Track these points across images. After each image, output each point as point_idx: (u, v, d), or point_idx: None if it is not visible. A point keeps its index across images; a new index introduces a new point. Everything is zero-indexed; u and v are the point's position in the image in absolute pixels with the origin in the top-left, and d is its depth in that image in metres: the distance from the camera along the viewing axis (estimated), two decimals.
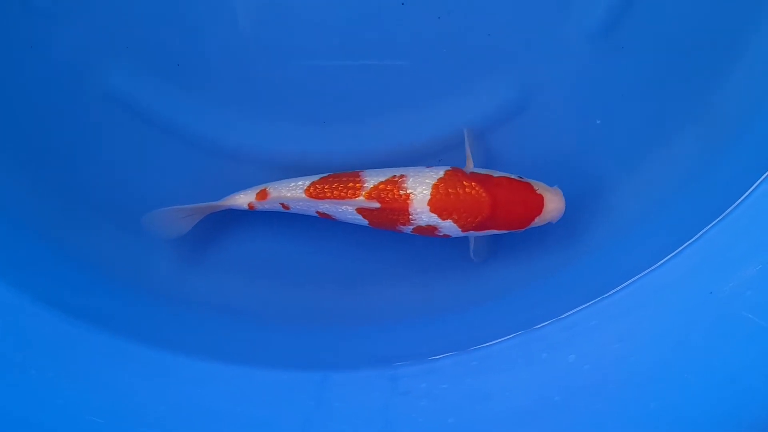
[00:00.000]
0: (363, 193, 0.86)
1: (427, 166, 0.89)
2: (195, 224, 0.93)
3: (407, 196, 0.85)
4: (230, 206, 0.92)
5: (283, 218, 0.95)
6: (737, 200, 0.90)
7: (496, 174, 0.88)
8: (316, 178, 0.90)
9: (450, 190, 0.85)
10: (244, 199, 0.91)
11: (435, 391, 0.87)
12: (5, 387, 0.86)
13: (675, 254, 0.91)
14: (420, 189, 0.85)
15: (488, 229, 0.87)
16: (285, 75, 0.96)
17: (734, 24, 0.92)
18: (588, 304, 0.91)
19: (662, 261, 0.91)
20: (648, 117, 0.96)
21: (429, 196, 0.85)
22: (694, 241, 0.90)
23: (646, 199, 0.96)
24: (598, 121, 0.95)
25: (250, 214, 0.95)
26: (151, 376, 0.89)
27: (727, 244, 0.89)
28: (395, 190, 0.86)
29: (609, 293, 0.91)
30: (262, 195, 0.90)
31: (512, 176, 0.88)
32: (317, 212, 0.90)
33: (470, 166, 0.90)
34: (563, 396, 0.85)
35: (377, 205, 0.86)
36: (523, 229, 0.88)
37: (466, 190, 0.85)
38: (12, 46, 0.94)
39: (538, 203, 0.86)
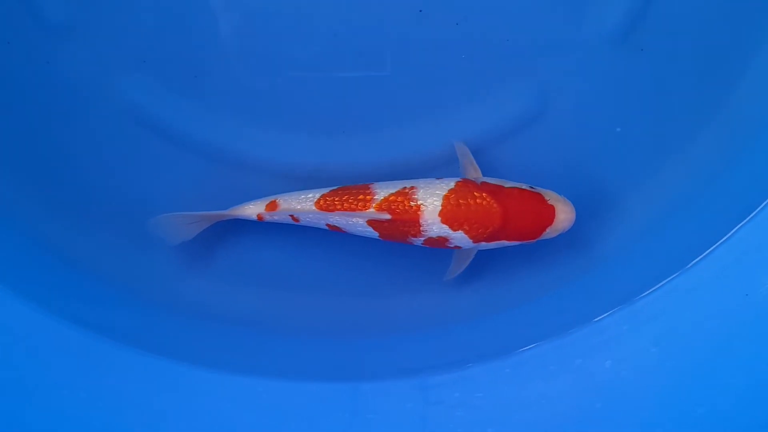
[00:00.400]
0: (373, 205, 0.86)
1: (437, 178, 0.89)
2: (201, 232, 0.92)
3: (418, 207, 0.85)
4: (239, 216, 0.91)
5: (295, 230, 0.94)
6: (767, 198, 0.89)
7: (507, 184, 0.87)
8: (326, 190, 0.89)
9: (461, 201, 0.84)
10: (253, 209, 0.90)
11: (470, 400, 0.85)
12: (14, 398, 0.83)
13: (704, 256, 0.89)
14: (431, 200, 0.85)
15: (499, 240, 0.86)
16: (304, 87, 0.95)
17: (754, 23, 0.92)
18: (618, 308, 0.89)
19: (692, 263, 0.90)
20: (671, 116, 0.95)
21: (440, 207, 0.84)
22: (723, 242, 0.89)
23: (670, 201, 0.95)
24: (618, 129, 0.94)
25: (260, 225, 0.94)
26: (179, 391, 0.87)
27: (759, 245, 0.87)
28: (406, 202, 0.85)
29: (638, 297, 0.89)
30: (272, 206, 0.89)
31: (523, 186, 0.87)
32: (327, 225, 0.89)
33: (479, 176, 0.89)
34: (605, 403, 0.83)
35: (388, 216, 0.85)
36: (534, 241, 0.87)
37: (477, 200, 0.84)
38: (26, 62, 0.94)
39: (550, 214, 0.85)
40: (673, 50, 0.95)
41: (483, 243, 0.86)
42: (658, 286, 0.89)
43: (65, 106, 0.95)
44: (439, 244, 0.87)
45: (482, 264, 0.95)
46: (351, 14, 0.94)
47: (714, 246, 0.89)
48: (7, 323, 0.88)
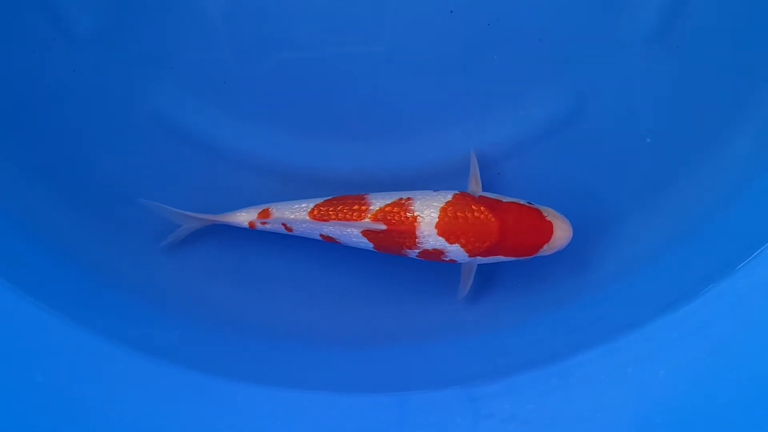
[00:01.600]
0: (368, 215, 0.84)
1: (435, 190, 0.87)
2: (190, 233, 0.91)
3: (414, 218, 0.83)
4: (230, 222, 0.89)
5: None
6: None
7: (506, 199, 0.85)
8: (320, 200, 0.87)
9: (459, 214, 0.83)
10: (245, 217, 0.88)
11: (521, 413, 0.82)
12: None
13: (754, 257, 0.86)
14: (428, 212, 0.83)
15: (495, 255, 0.84)
16: (334, 92, 0.94)
17: None
18: (664, 314, 0.87)
19: (739, 266, 0.87)
20: (706, 116, 0.94)
21: (437, 219, 0.83)
22: None
23: (713, 201, 0.93)
24: (648, 140, 0.93)
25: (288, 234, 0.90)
26: (224, 406, 0.84)
27: None
28: (402, 213, 0.84)
29: (686, 302, 0.87)
30: (265, 214, 0.88)
31: (522, 202, 0.86)
32: (321, 235, 0.87)
33: (478, 190, 0.88)
34: (665, 417, 0.79)
35: (383, 227, 0.84)
36: (530, 257, 0.85)
37: (475, 214, 0.83)
38: (52, 72, 0.93)
39: (548, 230, 0.84)
40: (709, 49, 0.93)
41: (479, 258, 0.85)
42: (705, 290, 0.86)
43: (92, 114, 0.93)
44: (434, 256, 0.85)
45: (519, 268, 0.93)
46: (382, 17, 0.93)
47: (764, 246, 0.86)
48: (35, 334, 0.85)
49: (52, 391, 0.82)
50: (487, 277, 0.93)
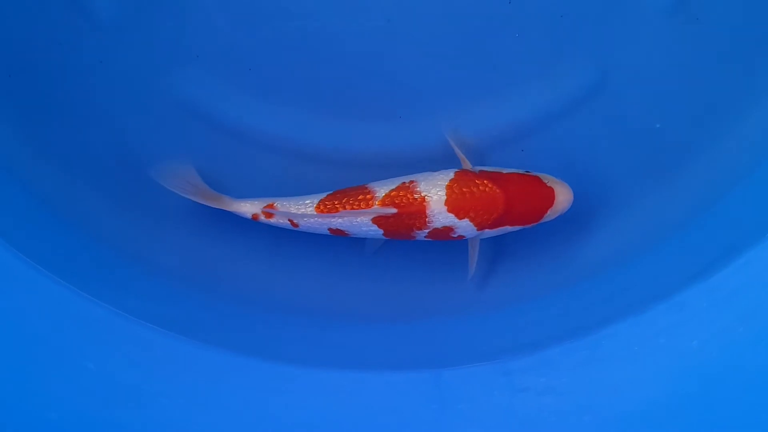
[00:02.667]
0: (376, 202, 0.85)
1: (432, 171, 0.88)
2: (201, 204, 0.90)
3: (423, 198, 0.85)
4: (233, 211, 0.90)
5: None
6: None
7: (505, 170, 0.87)
8: (322, 195, 0.88)
9: (464, 189, 0.85)
10: (249, 208, 0.89)
11: (557, 386, 0.82)
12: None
13: None
14: (434, 191, 0.85)
15: (502, 225, 0.86)
16: (357, 73, 0.95)
17: None
18: (694, 283, 0.87)
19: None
20: (728, 87, 0.94)
21: (445, 197, 0.84)
22: None
23: (735, 170, 0.93)
24: (658, 125, 0.94)
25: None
26: (262, 386, 0.85)
27: None
28: (409, 195, 0.85)
29: (715, 271, 0.87)
30: (269, 209, 0.88)
31: (520, 171, 0.87)
32: (329, 229, 0.88)
33: (468, 166, 0.89)
34: (699, 386, 0.80)
35: (394, 210, 0.85)
36: (535, 224, 0.87)
37: (480, 188, 0.84)
38: (79, 61, 0.93)
39: (550, 196, 0.86)
40: (729, 21, 0.93)
41: (486, 230, 0.86)
42: (735, 258, 0.87)
43: (120, 101, 0.94)
44: (443, 234, 0.87)
45: (542, 238, 0.94)
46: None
47: None
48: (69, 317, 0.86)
49: (101, 378, 0.83)
50: (511, 250, 0.94)
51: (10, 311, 0.83)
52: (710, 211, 0.93)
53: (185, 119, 0.94)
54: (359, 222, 0.87)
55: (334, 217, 0.87)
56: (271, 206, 0.88)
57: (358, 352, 0.89)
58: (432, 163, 0.91)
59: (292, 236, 0.92)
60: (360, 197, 0.87)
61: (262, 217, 0.88)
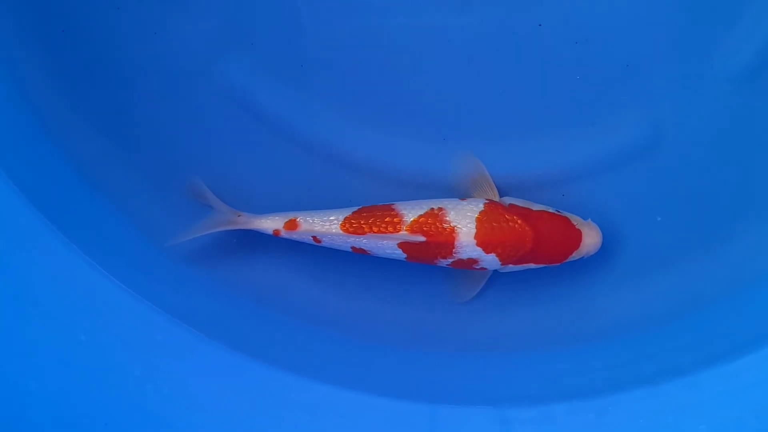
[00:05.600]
0: (404, 227, 0.83)
1: (461, 198, 0.87)
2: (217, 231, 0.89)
3: (452, 229, 0.84)
4: (254, 228, 0.88)
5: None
6: None
7: (535, 207, 0.86)
8: (347, 212, 0.87)
9: (494, 224, 0.84)
10: (270, 224, 0.88)
11: None
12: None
13: None
14: (464, 222, 0.84)
15: (527, 263, 0.86)
16: (409, 89, 0.93)
17: None
18: (714, 366, 0.84)
19: None
20: None
21: (474, 230, 0.83)
22: None
23: None
24: (659, 218, 0.92)
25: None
26: (250, 389, 0.84)
27: None
28: (438, 224, 0.84)
29: (739, 356, 0.84)
30: (291, 225, 0.87)
31: (550, 209, 0.86)
32: (352, 248, 0.87)
33: (496, 197, 0.88)
34: None
35: (422, 239, 0.83)
36: (559, 264, 0.86)
37: (510, 224, 0.84)
38: (134, 29, 0.93)
39: (577, 237, 0.85)
40: None
41: (510, 265, 0.86)
42: (760, 347, 0.83)
43: (167, 79, 0.93)
44: (466, 265, 0.86)
45: (566, 289, 0.92)
46: (469, 19, 0.92)
47: None
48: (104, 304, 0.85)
49: (94, 351, 0.82)
50: (531, 296, 0.92)
51: (14, 265, 0.83)
52: (747, 293, 0.90)
53: (231, 107, 0.94)
54: (384, 245, 0.86)
55: (359, 237, 0.85)
56: (293, 222, 0.87)
57: (357, 371, 0.88)
58: (463, 188, 0.91)
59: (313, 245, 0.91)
60: (387, 219, 0.85)
61: (284, 233, 0.87)
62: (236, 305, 0.92)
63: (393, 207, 0.87)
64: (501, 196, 0.90)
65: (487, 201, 0.87)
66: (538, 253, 0.85)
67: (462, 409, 0.84)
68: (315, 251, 0.91)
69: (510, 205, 0.87)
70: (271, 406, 0.83)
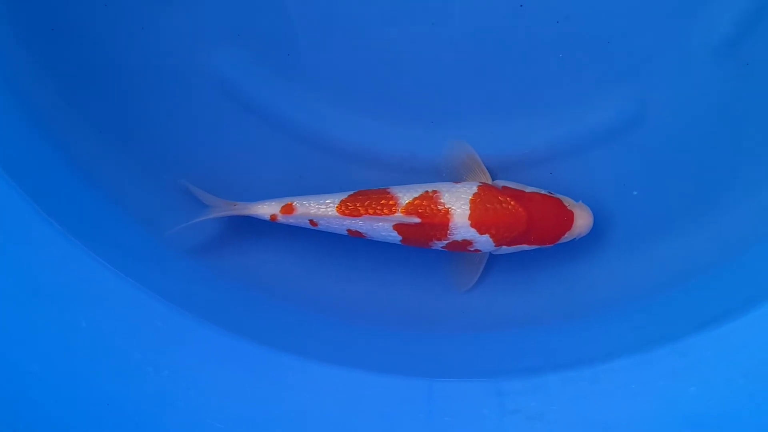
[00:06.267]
0: (399, 209, 0.85)
1: (455, 182, 0.88)
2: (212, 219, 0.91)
3: (447, 210, 0.85)
4: (251, 214, 0.90)
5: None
6: None
7: (528, 189, 0.87)
8: (343, 195, 0.88)
9: (488, 205, 0.85)
10: (267, 209, 0.89)
11: (548, 414, 0.82)
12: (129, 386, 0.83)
13: None
14: (458, 204, 0.85)
15: (520, 244, 0.87)
16: (395, 75, 0.94)
17: None
18: (702, 331, 0.85)
19: None
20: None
21: (468, 211, 0.84)
22: None
23: (761, 223, 0.91)
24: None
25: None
26: (253, 371, 0.86)
27: None
28: (433, 206, 0.85)
29: (726, 321, 0.85)
30: (288, 209, 0.89)
31: (543, 191, 0.87)
32: (348, 230, 0.88)
33: (489, 180, 0.89)
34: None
35: (417, 220, 0.84)
36: (552, 245, 0.87)
37: (503, 205, 0.85)
38: (121, 26, 0.93)
39: (569, 218, 0.87)
40: None
41: (504, 247, 0.87)
42: (747, 311, 0.85)
43: (155, 72, 0.94)
44: (461, 247, 0.87)
45: (559, 266, 0.93)
46: (451, 4, 0.93)
47: None
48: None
49: (94, 336, 0.84)
50: (525, 277, 0.94)
51: (15, 257, 0.84)
52: (735, 262, 0.91)
53: (219, 97, 0.94)
54: (379, 227, 0.87)
55: (355, 219, 0.86)
56: (289, 206, 0.88)
57: (355, 351, 0.89)
58: (455, 173, 0.92)
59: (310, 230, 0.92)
60: (383, 201, 0.87)
61: (281, 218, 0.88)
62: (235, 293, 0.93)
63: (388, 190, 0.88)
64: (493, 179, 0.92)
65: (480, 184, 0.88)
66: (532, 233, 0.86)
67: (458, 382, 0.85)
68: (312, 239, 0.93)
69: (503, 187, 0.88)
70: (271, 386, 0.85)
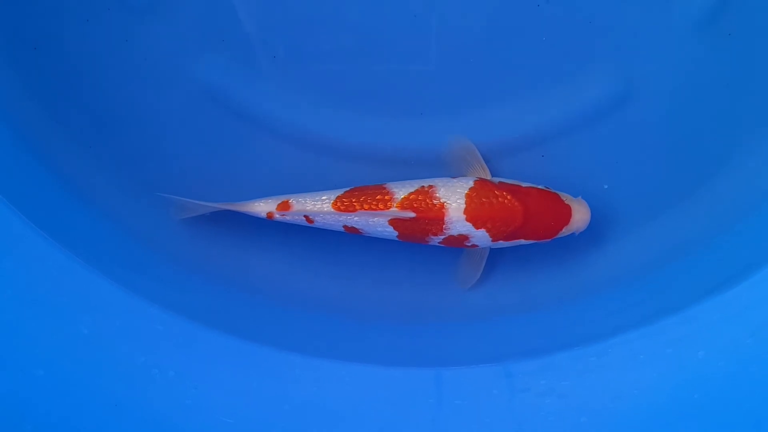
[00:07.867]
0: (395, 204, 0.85)
1: (452, 177, 0.88)
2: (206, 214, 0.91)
3: (442, 205, 0.85)
4: (247, 212, 0.90)
5: None
6: None
7: (524, 184, 0.87)
8: (339, 192, 0.88)
9: (484, 200, 0.85)
10: (263, 207, 0.89)
11: (558, 388, 0.81)
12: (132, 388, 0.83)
13: None
14: (454, 198, 0.85)
15: (517, 239, 0.86)
16: (381, 68, 0.94)
17: None
18: (707, 297, 0.86)
19: None
20: (757, 104, 0.93)
21: (464, 205, 0.84)
22: None
23: (760, 187, 0.92)
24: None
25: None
26: (260, 372, 0.86)
27: None
28: (428, 200, 0.85)
29: (729, 287, 0.86)
30: (284, 206, 0.89)
31: (539, 186, 0.87)
32: (344, 227, 0.88)
33: (487, 175, 0.89)
34: (702, 394, 0.78)
35: (412, 214, 0.84)
36: (549, 240, 0.87)
37: (499, 199, 0.84)
38: (105, 40, 0.94)
39: (567, 214, 0.86)
40: (762, 36, 0.92)
41: (501, 241, 0.86)
42: (749, 275, 0.85)
43: (142, 83, 0.94)
44: (457, 242, 0.87)
45: (557, 250, 0.93)
46: None
47: None
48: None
49: (97, 342, 0.84)
50: (525, 262, 0.94)
51: (13, 271, 0.85)
52: (732, 230, 0.92)
53: (207, 104, 0.95)
54: (375, 222, 0.87)
55: (350, 215, 0.86)
56: (285, 203, 0.88)
57: (362, 347, 0.89)
58: (450, 166, 0.92)
59: (306, 231, 0.92)
60: (378, 197, 0.87)
61: (277, 216, 0.88)
62: (236, 297, 0.93)
63: (384, 186, 0.89)
64: (491, 171, 0.92)
65: (477, 179, 0.88)
66: (529, 228, 0.86)
67: (466, 369, 0.85)
68: (309, 238, 0.93)
69: (499, 182, 0.88)
70: (278, 383, 0.84)
